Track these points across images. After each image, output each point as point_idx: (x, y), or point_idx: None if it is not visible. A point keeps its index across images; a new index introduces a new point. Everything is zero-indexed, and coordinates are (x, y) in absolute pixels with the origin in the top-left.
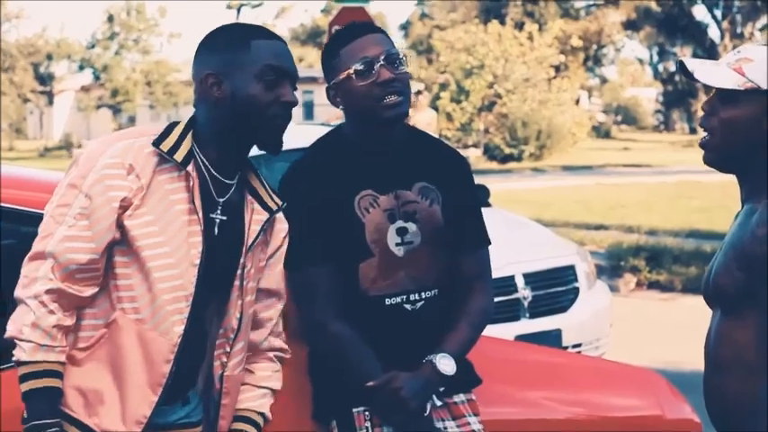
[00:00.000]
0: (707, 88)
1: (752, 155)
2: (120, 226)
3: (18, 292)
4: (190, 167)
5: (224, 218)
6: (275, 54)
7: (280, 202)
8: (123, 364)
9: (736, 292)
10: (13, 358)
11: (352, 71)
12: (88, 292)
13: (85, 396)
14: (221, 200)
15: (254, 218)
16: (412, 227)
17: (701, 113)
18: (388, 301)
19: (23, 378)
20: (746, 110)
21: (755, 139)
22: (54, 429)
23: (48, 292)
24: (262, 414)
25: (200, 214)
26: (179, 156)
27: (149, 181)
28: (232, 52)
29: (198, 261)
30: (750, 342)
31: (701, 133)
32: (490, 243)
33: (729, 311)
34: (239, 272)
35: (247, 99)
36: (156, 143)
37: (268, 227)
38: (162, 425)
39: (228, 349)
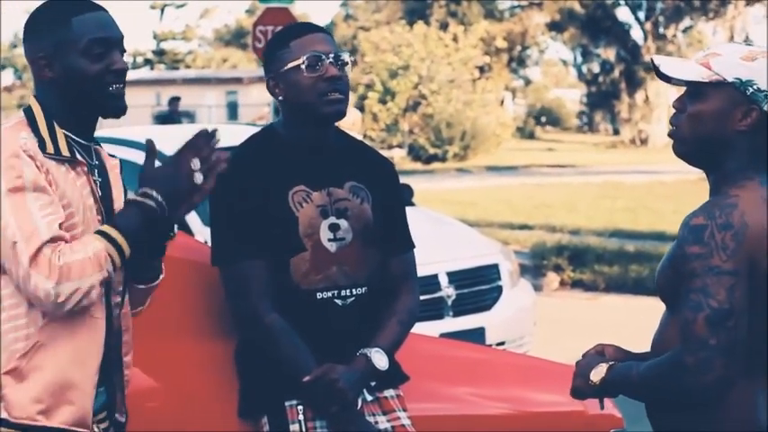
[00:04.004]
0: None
1: (718, 150)
2: None
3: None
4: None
5: (100, 179)
6: (98, 26)
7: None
8: (78, 355)
9: (668, 289)
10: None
11: (302, 62)
12: None
13: (43, 401)
14: (94, 162)
15: (111, 163)
16: (344, 223)
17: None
18: (319, 296)
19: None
20: (713, 103)
21: (722, 133)
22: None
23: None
24: None
25: (98, 193)
26: (63, 150)
27: (46, 167)
28: (56, 33)
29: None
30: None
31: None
32: (415, 246)
33: (668, 306)
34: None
35: (79, 77)
36: (42, 147)
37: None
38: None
39: (121, 303)
